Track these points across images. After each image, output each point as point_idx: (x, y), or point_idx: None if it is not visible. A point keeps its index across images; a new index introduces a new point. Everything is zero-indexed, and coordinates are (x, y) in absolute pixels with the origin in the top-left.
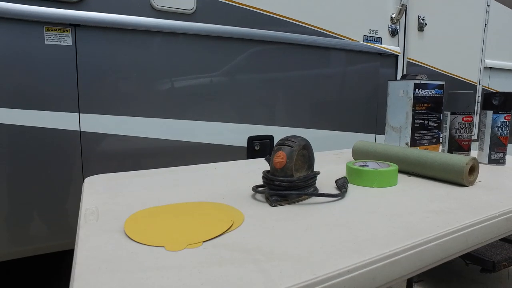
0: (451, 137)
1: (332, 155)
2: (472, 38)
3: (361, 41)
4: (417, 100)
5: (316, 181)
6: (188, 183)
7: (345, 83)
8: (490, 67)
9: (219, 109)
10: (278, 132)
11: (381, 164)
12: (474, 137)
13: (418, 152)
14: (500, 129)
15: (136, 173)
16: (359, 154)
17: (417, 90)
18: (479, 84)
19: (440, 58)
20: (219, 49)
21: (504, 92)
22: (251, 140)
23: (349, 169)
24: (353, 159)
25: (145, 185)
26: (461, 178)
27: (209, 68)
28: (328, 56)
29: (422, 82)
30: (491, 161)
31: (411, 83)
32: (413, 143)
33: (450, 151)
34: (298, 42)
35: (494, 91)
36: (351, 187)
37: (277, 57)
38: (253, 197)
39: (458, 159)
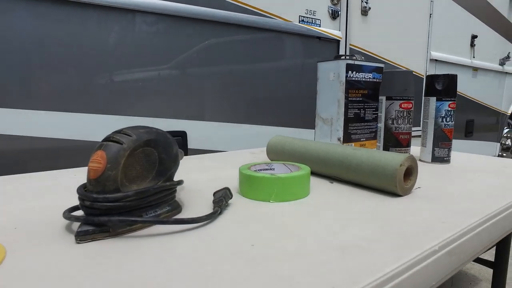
0: (387, 129)
1: (248, 154)
2: (418, 28)
3: (296, 22)
4: (350, 85)
5: (183, 195)
6: None
7: (279, 71)
8: (436, 60)
9: (117, 100)
10: (198, 128)
11: (291, 167)
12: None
13: (342, 150)
14: (444, 119)
15: None
16: (274, 153)
17: (350, 72)
18: (425, 77)
19: (385, 46)
20: (107, 22)
21: (448, 75)
22: None
23: (241, 176)
24: (268, 159)
25: None
26: (394, 185)
27: (101, 46)
28: (256, 38)
29: (356, 63)
30: (435, 159)
31: (342, 64)
32: (347, 138)
33: (386, 147)
34: (222, 20)
35: None
36: (242, 202)
37: (187, 36)
38: (68, 227)
39: (389, 159)
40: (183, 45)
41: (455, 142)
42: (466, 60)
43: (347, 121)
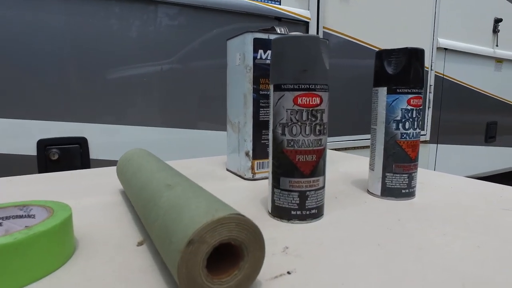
0: (275, 143)
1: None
2: (420, 8)
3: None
4: (262, 71)
5: None
6: None
7: (224, 61)
8: (445, 48)
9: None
10: (104, 133)
11: (49, 210)
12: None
13: (156, 186)
14: (401, 125)
15: None
16: (120, 175)
17: (261, 52)
18: (431, 69)
19: (374, 31)
20: None
21: (407, 49)
22: (44, 145)
23: None
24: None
25: None
26: (177, 283)
27: None
28: (186, 20)
29: (272, 37)
30: (386, 192)
31: (248, 39)
32: (260, 153)
33: (275, 176)
34: None
35: (447, 74)
36: None
37: (103, 17)
38: None
39: (185, 221)
40: (79, 30)
41: (473, 149)
42: (487, 50)
43: (259, 126)
